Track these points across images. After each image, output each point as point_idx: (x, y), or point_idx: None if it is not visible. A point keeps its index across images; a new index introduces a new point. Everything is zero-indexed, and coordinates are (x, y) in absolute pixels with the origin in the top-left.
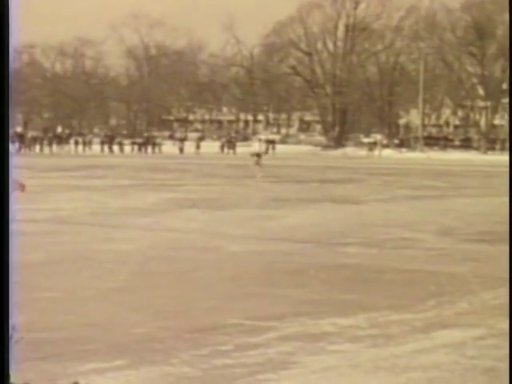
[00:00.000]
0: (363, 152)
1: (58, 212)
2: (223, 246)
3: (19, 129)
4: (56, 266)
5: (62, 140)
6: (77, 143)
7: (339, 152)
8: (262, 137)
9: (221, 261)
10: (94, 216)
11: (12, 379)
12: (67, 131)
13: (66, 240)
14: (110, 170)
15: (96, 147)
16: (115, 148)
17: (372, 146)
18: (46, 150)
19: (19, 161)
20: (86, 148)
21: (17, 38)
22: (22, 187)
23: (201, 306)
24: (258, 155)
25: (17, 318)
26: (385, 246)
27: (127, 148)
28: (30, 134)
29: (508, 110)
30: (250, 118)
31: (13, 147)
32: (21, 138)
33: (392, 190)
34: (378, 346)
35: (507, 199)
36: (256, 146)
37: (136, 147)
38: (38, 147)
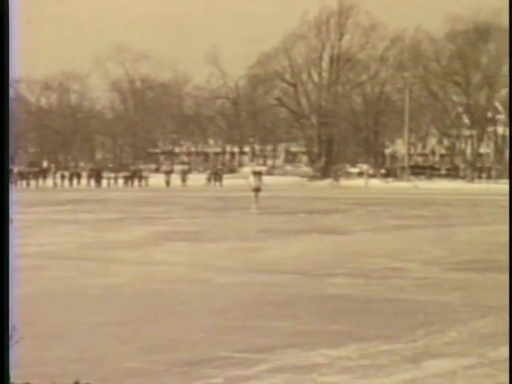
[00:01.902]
0: (327, 182)
1: (46, 246)
2: (211, 278)
3: None
4: (45, 300)
5: (47, 174)
6: (63, 177)
7: (325, 182)
8: (257, 168)
9: (209, 293)
10: (82, 250)
11: (12, 379)
12: (53, 165)
13: (54, 275)
14: (97, 204)
15: (82, 181)
16: (101, 182)
17: (337, 175)
18: (32, 184)
19: None
20: (74, 182)
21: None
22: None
23: (190, 339)
24: (258, 190)
25: (16, 318)
26: (373, 275)
27: (113, 181)
28: (16, 168)
29: (493, 138)
30: (236, 149)
31: None
32: None
33: (379, 220)
34: (369, 377)
35: (495, 227)
36: (251, 180)
37: (122, 181)
38: (24, 182)
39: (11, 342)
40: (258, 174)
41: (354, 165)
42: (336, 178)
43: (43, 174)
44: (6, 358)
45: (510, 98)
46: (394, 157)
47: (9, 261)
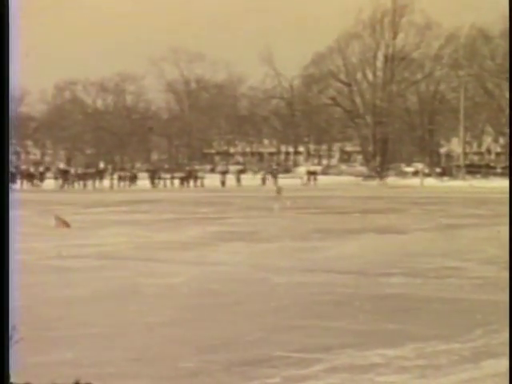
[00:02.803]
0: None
1: (102, 247)
2: (268, 278)
3: (62, 165)
4: (102, 301)
5: (104, 175)
6: (119, 178)
7: (381, 182)
8: (311, 168)
9: (265, 293)
10: (139, 250)
11: (12, 379)
12: (109, 166)
13: (111, 275)
14: (152, 205)
15: (138, 182)
16: (157, 182)
17: (382, 174)
18: (89, 185)
19: (63, 197)
20: (129, 183)
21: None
22: (67, 224)
23: (247, 339)
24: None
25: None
26: (429, 275)
27: (169, 182)
28: (73, 170)
29: None
30: (291, 149)
31: (56, 183)
32: (64, 174)
33: (435, 219)
34: (426, 377)
35: None
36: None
37: (178, 181)
38: (81, 183)
39: (11, 342)
40: (312, 173)
41: (409, 164)
42: (382, 177)
43: (100, 175)
44: (6, 358)
45: (510, 98)
46: (449, 156)
47: (9, 262)
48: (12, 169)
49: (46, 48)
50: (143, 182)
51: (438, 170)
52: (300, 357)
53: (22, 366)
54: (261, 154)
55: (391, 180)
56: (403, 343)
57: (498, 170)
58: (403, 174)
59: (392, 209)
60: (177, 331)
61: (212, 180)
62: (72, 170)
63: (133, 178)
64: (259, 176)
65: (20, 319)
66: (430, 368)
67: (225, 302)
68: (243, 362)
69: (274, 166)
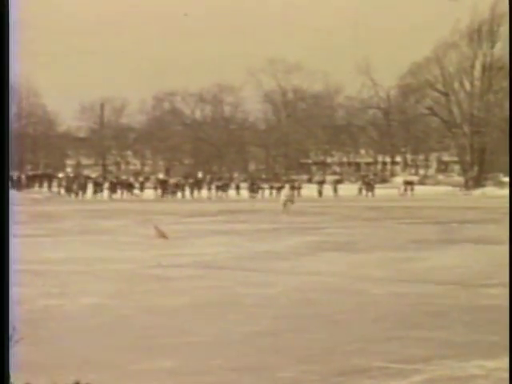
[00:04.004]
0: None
1: (201, 257)
2: (366, 288)
3: (161, 175)
4: (201, 310)
5: (202, 185)
6: (218, 188)
7: (478, 192)
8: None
9: (363, 303)
10: (237, 260)
11: (12, 379)
12: (208, 176)
13: (210, 285)
14: (250, 215)
15: (232, 192)
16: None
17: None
18: (188, 195)
19: (162, 207)
20: (228, 192)
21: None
22: (165, 235)
23: (345, 349)
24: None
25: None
26: None
27: (266, 192)
28: (172, 180)
29: None
30: (388, 159)
31: (155, 193)
32: (163, 184)
33: None
34: None
35: None
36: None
37: (274, 191)
38: (179, 193)
39: (11, 342)
40: (409, 183)
41: (507, 174)
42: (479, 187)
43: (198, 184)
44: (6, 358)
45: (510, 99)
46: None
47: (9, 262)
48: (112, 179)
49: (144, 60)
50: (241, 191)
51: None
52: (398, 367)
53: (122, 372)
54: (358, 164)
55: (489, 190)
56: (502, 354)
57: None
58: (501, 184)
59: (490, 219)
60: (275, 341)
61: (309, 190)
62: (171, 180)
63: (226, 187)
64: (356, 186)
65: (121, 327)
66: None
67: (322, 312)
68: (341, 373)
69: (371, 176)
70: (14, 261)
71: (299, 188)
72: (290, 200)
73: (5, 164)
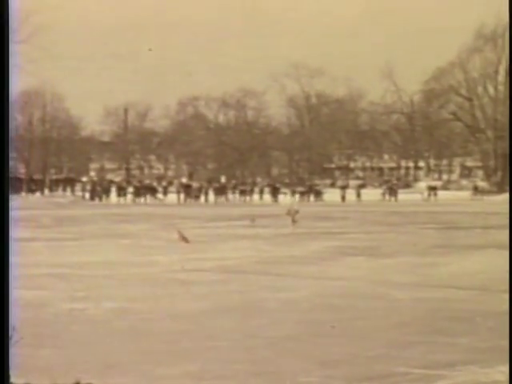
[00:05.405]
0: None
1: (224, 261)
2: (389, 293)
3: (184, 179)
4: (225, 314)
5: (226, 190)
6: (241, 193)
7: (502, 197)
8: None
9: (386, 308)
10: (260, 265)
11: (12, 379)
12: (231, 181)
13: (232, 289)
14: (273, 219)
15: (255, 196)
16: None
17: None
18: (211, 199)
19: (185, 211)
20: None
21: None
22: (186, 240)
23: (368, 354)
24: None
25: (17, 317)
26: None
27: (288, 197)
28: (195, 184)
29: None
30: (411, 164)
31: (179, 198)
32: (186, 188)
33: None
34: None
35: None
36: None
37: (298, 196)
38: (202, 197)
39: (11, 342)
40: (432, 188)
41: None
42: (503, 192)
43: (222, 189)
44: (6, 358)
45: (510, 100)
46: None
47: (9, 263)
48: (136, 183)
49: (167, 65)
50: (264, 196)
51: None
52: (422, 373)
53: (145, 377)
54: (381, 169)
55: None
56: None
57: None
58: None
59: None
60: (298, 345)
61: (332, 195)
62: (194, 185)
63: (250, 192)
64: (379, 191)
65: (145, 331)
66: None
67: (345, 317)
68: (364, 378)
69: (395, 181)
70: (37, 264)
71: (322, 193)
72: (294, 210)
73: (4, 165)
